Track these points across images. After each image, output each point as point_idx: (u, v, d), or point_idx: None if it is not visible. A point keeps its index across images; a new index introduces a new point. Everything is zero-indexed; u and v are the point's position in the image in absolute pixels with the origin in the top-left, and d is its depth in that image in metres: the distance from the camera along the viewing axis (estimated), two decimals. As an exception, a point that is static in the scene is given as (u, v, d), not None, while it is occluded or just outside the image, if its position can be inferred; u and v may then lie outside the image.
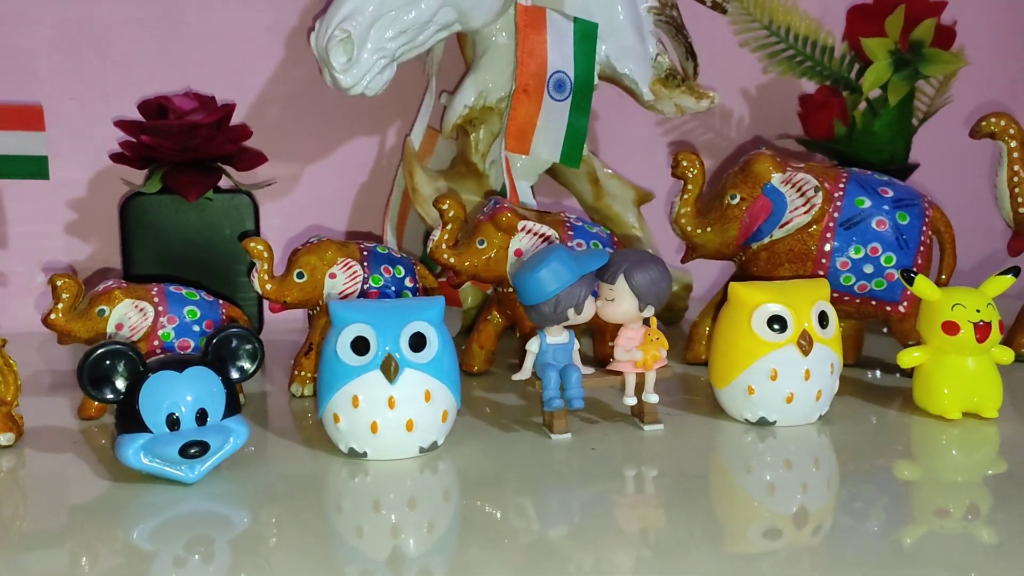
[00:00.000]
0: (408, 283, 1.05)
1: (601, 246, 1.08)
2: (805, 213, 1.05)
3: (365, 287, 1.02)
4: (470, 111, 1.25)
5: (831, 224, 1.05)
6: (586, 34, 1.24)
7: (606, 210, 1.32)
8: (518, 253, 1.05)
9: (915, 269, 1.01)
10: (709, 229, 1.09)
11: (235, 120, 1.24)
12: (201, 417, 0.81)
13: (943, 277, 1.10)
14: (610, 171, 1.33)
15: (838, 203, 1.05)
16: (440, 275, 1.16)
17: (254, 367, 0.85)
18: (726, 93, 1.55)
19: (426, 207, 1.24)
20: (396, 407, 0.84)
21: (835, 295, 1.05)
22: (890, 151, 1.39)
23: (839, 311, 1.08)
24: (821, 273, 1.05)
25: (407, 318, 0.85)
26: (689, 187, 1.10)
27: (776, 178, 1.06)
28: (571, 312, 0.89)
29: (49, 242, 1.35)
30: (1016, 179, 1.12)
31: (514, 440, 0.92)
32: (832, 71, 1.41)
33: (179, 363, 0.82)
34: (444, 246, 1.06)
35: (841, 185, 1.06)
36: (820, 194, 1.04)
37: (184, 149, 1.17)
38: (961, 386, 0.94)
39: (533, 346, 0.90)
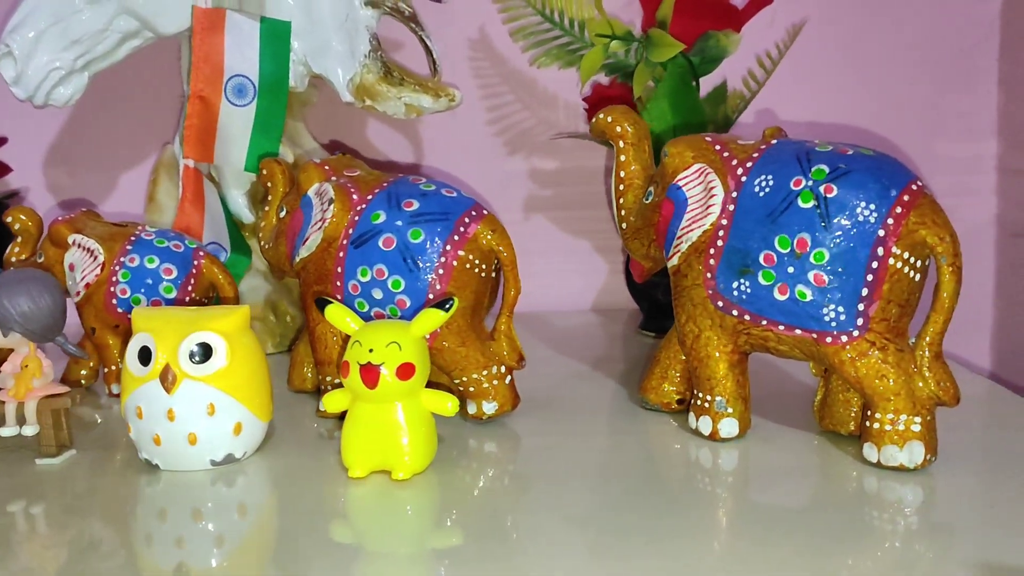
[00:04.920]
0: None
1: (158, 261, 1.00)
2: (319, 229, 0.92)
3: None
4: (198, 117, 1.21)
5: (344, 242, 0.91)
6: (275, 33, 1.16)
7: (340, 219, 1.23)
8: (72, 268, 1.01)
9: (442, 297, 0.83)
10: (270, 244, 0.98)
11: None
12: None
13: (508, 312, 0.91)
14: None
15: (356, 218, 0.91)
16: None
17: None
18: (567, 85, 1.38)
19: (160, 217, 1.21)
20: None
21: (362, 323, 0.92)
22: (668, 151, 1.17)
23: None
24: (338, 297, 0.91)
25: None
26: (269, 198, 1.00)
27: (313, 189, 0.94)
28: None
29: None
30: (621, 187, 0.91)
31: None
32: (616, 60, 1.22)
33: None
34: (14, 260, 1.04)
35: (370, 197, 0.91)
36: (333, 207, 0.91)
37: None
38: (367, 439, 0.78)
39: (-88, 372, 0.86)
